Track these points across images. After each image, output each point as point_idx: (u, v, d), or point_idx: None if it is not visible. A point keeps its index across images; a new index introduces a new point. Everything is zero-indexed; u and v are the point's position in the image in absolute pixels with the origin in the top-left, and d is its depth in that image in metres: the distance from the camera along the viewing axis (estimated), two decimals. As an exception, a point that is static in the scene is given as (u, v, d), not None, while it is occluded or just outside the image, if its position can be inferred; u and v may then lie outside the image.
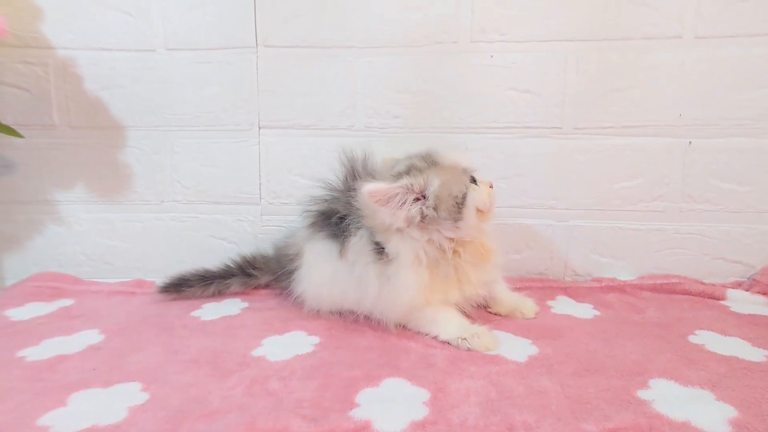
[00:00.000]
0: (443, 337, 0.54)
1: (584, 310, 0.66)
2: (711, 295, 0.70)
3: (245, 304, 0.69)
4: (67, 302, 0.70)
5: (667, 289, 0.72)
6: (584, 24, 0.74)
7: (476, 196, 0.56)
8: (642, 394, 0.42)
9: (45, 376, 0.47)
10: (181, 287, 0.70)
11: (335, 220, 0.59)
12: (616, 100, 0.75)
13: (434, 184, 0.55)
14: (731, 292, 0.69)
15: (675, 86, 0.73)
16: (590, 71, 0.75)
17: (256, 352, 0.52)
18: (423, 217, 0.54)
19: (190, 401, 0.41)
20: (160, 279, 0.78)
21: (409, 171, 0.57)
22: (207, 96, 0.80)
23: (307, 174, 0.80)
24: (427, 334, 0.56)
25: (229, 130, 0.81)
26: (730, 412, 0.39)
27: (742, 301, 0.67)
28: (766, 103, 0.72)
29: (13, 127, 0.74)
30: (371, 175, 0.61)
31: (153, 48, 0.79)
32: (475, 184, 0.58)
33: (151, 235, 0.83)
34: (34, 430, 0.37)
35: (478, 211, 0.56)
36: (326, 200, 0.64)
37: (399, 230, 0.54)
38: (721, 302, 0.68)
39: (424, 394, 0.42)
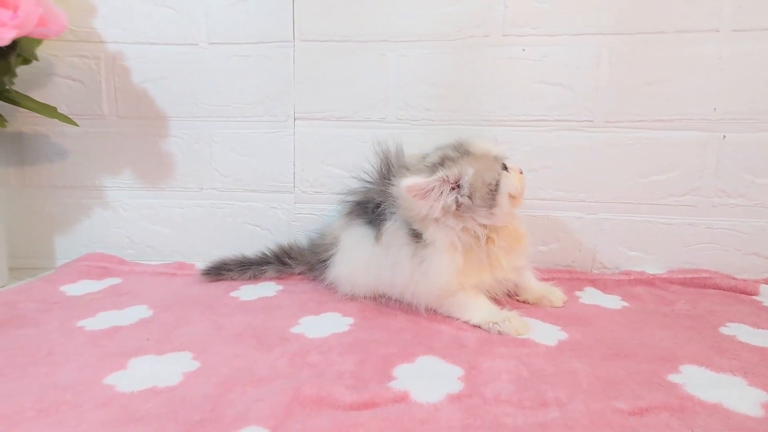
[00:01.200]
0: (475, 321, 0.56)
1: (612, 301, 0.66)
2: (743, 290, 0.69)
3: (280, 287, 0.72)
4: (114, 281, 0.75)
5: (697, 283, 0.72)
6: (617, 17, 0.74)
7: (509, 183, 0.58)
8: (673, 377, 0.43)
9: (104, 343, 0.50)
10: (221, 271, 0.74)
11: (371, 207, 0.62)
12: (648, 93, 0.75)
13: (468, 173, 0.56)
14: (765, 288, 0.69)
15: (710, 80, 0.73)
16: (623, 64, 0.75)
17: (295, 330, 0.55)
18: (458, 205, 0.55)
19: (238, 370, 0.45)
20: (200, 262, 0.83)
21: (443, 162, 0.58)
22: (245, 88, 0.83)
23: (340, 164, 0.83)
24: (458, 319, 0.57)
25: (265, 121, 0.84)
26: (762, 396, 0.39)
27: (775, 297, 0.67)
28: (805, 97, 0.71)
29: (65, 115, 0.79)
30: (405, 167, 0.63)
31: (195, 42, 0.83)
32: (506, 170, 0.59)
33: (190, 221, 0.87)
34: (101, 387, 0.41)
35: (511, 196, 0.58)
36: (362, 191, 0.66)
37: (435, 220, 0.56)
38: (754, 297, 0.68)
39: (458, 371, 0.44)
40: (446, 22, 0.78)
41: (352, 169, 0.82)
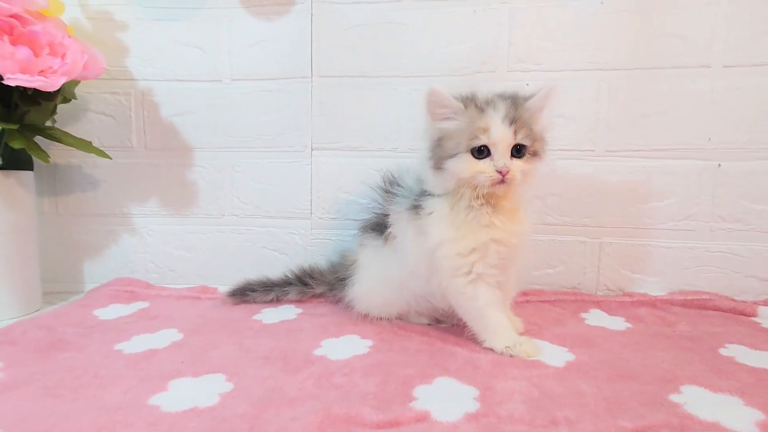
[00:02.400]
0: (489, 345, 0.59)
1: (617, 323, 0.70)
2: (742, 312, 0.72)
3: (300, 310, 0.76)
4: (143, 305, 0.79)
5: (697, 304, 0.75)
6: (616, 54, 0.79)
7: None
8: (674, 397, 0.46)
9: (143, 366, 0.54)
10: (245, 292, 0.78)
11: (381, 221, 0.67)
12: (646, 124, 0.79)
13: None
14: (763, 309, 0.72)
15: (704, 112, 0.77)
16: (622, 98, 0.79)
17: (317, 352, 0.59)
18: None
19: (270, 391, 0.48)
20: (221, 285, 0.88)
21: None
22: (265, 121, 0.89)
23: (355, 192, 0.88)
24: (471, 329, 0.60)
25: (284, 151, 0.89)
26: (758, 416, 0.43)
27: (773, 318, 0.70)
28: (795, 128, 0.75)
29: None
30: (401, 185, 0.67)
31: (220, 78, 0.89)
32: None
33: (212, 246, 0.92)
34: (147, 408, 0.44)
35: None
36: (374, 213, 0.71)
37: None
38: (753, 319, 0.71)
39: (473, 392, 0.48)
40: (454, 58, 0.83)
41: (366, 196, 0.87)
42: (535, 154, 0.58)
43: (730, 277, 0.79)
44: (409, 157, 0.85)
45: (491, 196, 0.58)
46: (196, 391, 0.48)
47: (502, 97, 0.58)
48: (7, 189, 0.74)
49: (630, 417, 0.42)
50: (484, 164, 0.56)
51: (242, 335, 0.65)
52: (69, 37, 0.68)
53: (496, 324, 0.59)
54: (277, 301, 0.79)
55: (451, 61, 0.83)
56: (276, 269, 0.86)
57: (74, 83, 0.78)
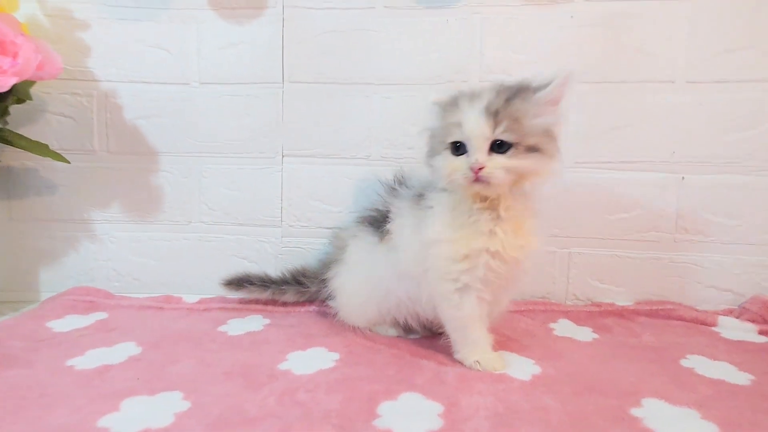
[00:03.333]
0: (460, 356, 0.58)
1: (584, 334, 0.70)
2: (703, 322, 0.74)
3: (267, 321, 0.74)
4: (101, 315, 0.75)
5: (662, 314, 0.77)
6: (584, 67, 0.80)
7: None
8: (635, 411, 0.47)
9: (95, 383, 0.52)
10: (243, 283, 0.77)
11: (380, 217, 0.66)
12: (614, 137, 0.81)
13: None
14: (722, 319, 0.74)
15: (668, 126, 0.79)
16: (590, 111, 0.81)
17: (282, 366, 0.57)
18: None
19: (229, 409, 0.46)
20: (187, 294, 0.85)
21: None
22: (235, 126, 0.86)
23: (327, 200, 0.86)
24: (446, 335, 0.60)
25: (254, 157, 0.87)
26: (713, 428, 0.43)
27: (732, 328, 0.72)
28: (753, 143, 0.78)
29: (56, 151, 0.80)
30: (407, 185, 0.67)
31: (187, 81, 0.86)
32: None
33: (177, 253, 0.89)
34: (95, 430, 0.42)
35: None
36: (374, 209, 0.70)
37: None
38: (713, 328, 0.73)
39: (438, 408, 0.47)
40: (428, 68, 0.83)
41: (338, 204, 0.86)
42: (533, 149, 0.52)
43: (692, 287, 0.81)
44: (381, 165, 0.84)
45: (492, 199, 0.54)
46: (149, 411, 0.46)
47: (494, 86, 0.54)
48: (-46, 193, 0.70)
49: (593, 431, 0.42)
50: (460, 161, 0.52)
51: (204, 348, 0.62)
52: (22, 35, 0.65)
53: (475, 338, 0.57)
54: (273, 299, 0.79)
55: (424, 70, 0.83)
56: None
57: (29, 83, 0.74)
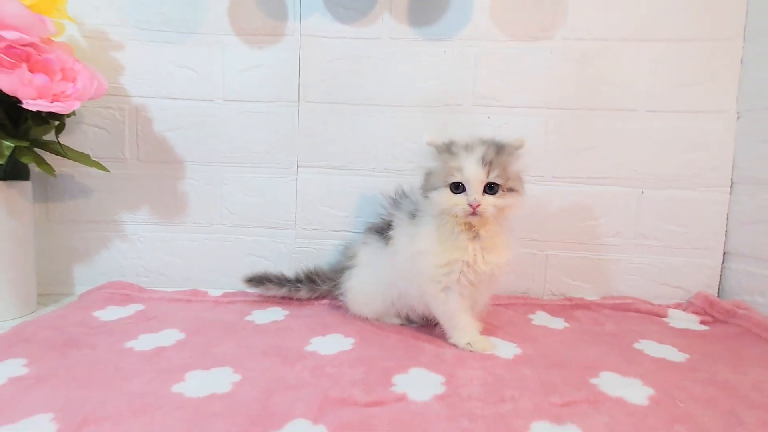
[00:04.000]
0: (454, 340, 0.70)
1: (557, 323, 0.83)
2: (656, 313, 0.88)
3: (287, 312, 0.85)
4: (139, 306, 0.85)
5: (623, 307, 0.91)
6: (561, 95, 0.93)
7: None
8: (593, 380, 0.59)
9: (156, 361, 0.62)
10: (263, 281, 0.87)
11: (385, 226, 0.78)
12: (585, 156, 0.94)
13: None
14: (672, 312, 0.88)
15: (631, 148, 0.93)
16: (565, 133, 0.94)
17: (308, 348, 0.68)
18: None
19: (274, 380, 0.58)
20: (211, 288, 0.96)
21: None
22: (255, 139, 0.97)
23: (336, 206, 0.98)
24: (441, 326, 0.72)
25: (271, 167, 0.98)
26: (650, 392, 0.56)
27: (679, 319, 0.86)
28: (700, 164, 0.92)
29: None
30: (409, 198, 0.78)
31: (212, 99, 0.96)
32: None
33: (200, 252, 0.99)
34: (172, 395, 0.53)
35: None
36: (379, 220, 0.82)
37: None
38: (663, 319, 0.87)
39: (440, 378, 0.59)
40: (427, 92, 0.95)
41: (346, 210, 0.98)
42: (511, 190, 0.67)
43: (648, 285, 0.95)
44: (385, 176, 0.96)
45: (470, 224, 0.68)
46: (210, 381, 0.57)
47: (482, 141, 0.68)
48: (9, 198, 0.79)
49: (559, 395, 0.55)
50: (459, 198, 0.66)
51: (239, 334, 0.73)
52: (78, 62, 0.74)
53: (463, 324, 0.70)
54: (288, 296, 0.89)
55: (424, 94, 0.95)
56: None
57: (77, 101, 0.83)
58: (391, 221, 0.77)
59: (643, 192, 0.94)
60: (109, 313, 0.81)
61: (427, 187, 0.70)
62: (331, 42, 0.95)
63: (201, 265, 0.99)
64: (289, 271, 0.95)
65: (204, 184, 0.98)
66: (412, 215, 0.74)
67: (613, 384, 0.59)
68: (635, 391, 0.57)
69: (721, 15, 0.90)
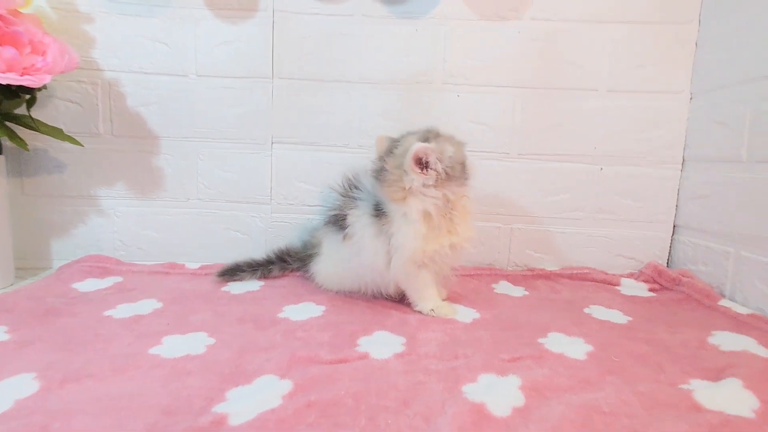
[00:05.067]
0: (419, 308, 0.75)
1: (518, 291, 0.89)
2: (610, 282, 0.95)
3: (262, 283, 0.89)
4: (117, 279, 0.88)
5: (579, 277, 0.97)
6: (528, 75, 0.97)
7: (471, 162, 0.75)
8: (541, 340, 0.65)
9: (134, 327, 0.66)
10: (235, 273, 0.89)
11: (341, 217, 0.79)
12: (549, 134, 0.98)
13: (449, 150, 0.71)
14: (624, 280, 0.95)
15: (591, 126, 0.98)
16: (531, 111, 0.98)
17: (281, 315, 0.73)
18: (440, 177, 0.70)
19: (247, 342, 0.62)
20: (188, 261, 0.98)
21: (426, 139, 0.71)
22: (229, 115, 0.98)
23: (310, 181, 1.00)
24: (408, 298, 0.77)
25: (246, 143, 0.99)
26: (589, 348, 0.63)
27: (630, 287, 0.93)
28: (654, 142, 0.97)
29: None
30: (359, 188, 0.80)
31: (186, 74, 0.97)
32: None
33: (177, 226, 1.01)
34: (150, 356, 0.57)
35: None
36: (336, 206, 0.83)
37: (412, 192, 0.70)
38: (616, 287, 0.93)
39: (402, 340, 0.64)
40: (399, 70, 0.97)
41: (320, 185, 1.01)
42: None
43: (605, 256, 1.01)
44: (358, 153, 0.99)
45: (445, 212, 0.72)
46: (186, 344, 0.60)
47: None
48: (-18, 172, 0.80)
49: (509, 352, 0.61)
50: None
51: (215, 303, 0.77)
52: (47, 35, 0.74)
53: (428, 294, 0.75)
54: (263, 278, 0.91)
55: (396, 72, 0.97)
56: (238, 248, 0.99)
57: (47, 75, 0.83)
58: (345, 216, 0.77)
59: (602, 168, 0.99)
60: (88, 285, 0.84)
61: (464, 176, 0.73)
62: (305, 18, 0.96)
63: (178, 238, 1.01)
64: (265, 245, 0.99)
65: (179, 159, 0.99)
66: (375, 211, 0.74)
67: (557, 342, 0.64)
68: (576, 348, 0.63)
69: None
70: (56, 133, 0.85)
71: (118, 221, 1.00)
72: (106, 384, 0.50)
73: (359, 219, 0.76)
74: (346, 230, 0.77)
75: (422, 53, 0.97)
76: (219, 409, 0.45)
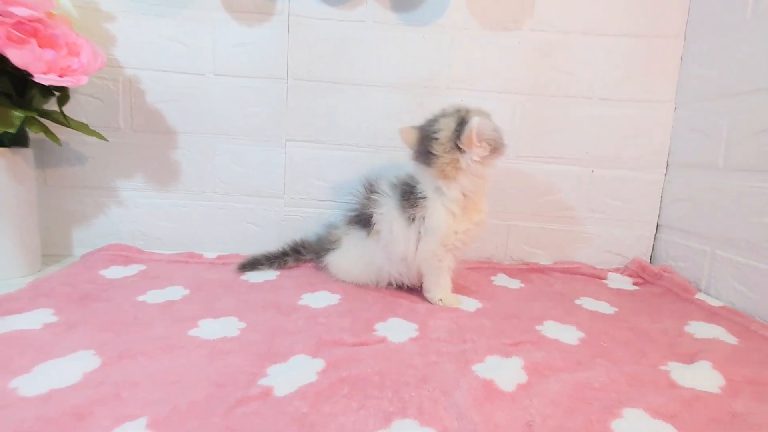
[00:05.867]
0: (431, 295, 0.82)
1: (514, 283, 0.97)
2: (598, 276, 1.03)
3: (278, 273, 0.95)
4: (141, 267, 0.93)
5: (570, 271, 1.05)
6: (526, 83, 1.04)
7: None
8: (537, 327, 0.73)
9: (169, 312, 0.71)
10: (254, 265, 0.95)
11: (364, 218, 0.85)
12: (545, 138, 1.06)
13: (493, 124, 0.76)
14: (611, 275, 1.03)
15: (585, 132, 1.05)
16: (529, 116, 1.05)
17: (300, 303, 0.79)
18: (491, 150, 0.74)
19: (274, 327, 0.68)
20: (205, 251, 1.04)
21: (467, 116, 0.75)
22: (245, 113, 1.03)
23: (322, 177, 1.06)
24: (420, 285, 0.83)
25: (261, 140, 1.05)
26: (581, 335, 0.70)
27: (616, 281, 1.01)
28: (641, 148, 1.05)
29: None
30: (378, 190, 0.84)
31: (203, 73, 1.01)
32: None
33: (193, 218, 1.06)
34: (189, 337, 0.62)
35: None
36: (357, 209, 0.88)
37: (463, 169, 0.75)
38: (603, 281, 1.02)
39: (414, 326, 0.71)
40: (407, 75, 1.03)
41: (331, 181, 1.07)
42: None
43: (594, 252, 1.10)
44: (367, 152, 1.05)
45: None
46: (220, 327, 0.66)
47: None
48: (14, 165, 0.84)
49: (509, 338, 0.68)
50: None
51: (237, 291, 0.83)
52: (79, 36, 0.78)
53: (444, 283, 0.82)
54: (279, 268, 0.97)
55: (404, 76, 1.03)
56: (252, 239, 1.05)
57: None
58: (370, 215, 0.83)
59: (593, 171, 1.07)
60: (114, 272, 0.89)
61: (500, 152, 0.77)
62: (319, 23, 1.01)
63: (194, 229, 1.07)
64: (278, 237, 1.05)
65: (196, 154, 1.04)
66: (403, 202, 0.78)
67: (553, 329, 0.72)
68: (569, 335, 0.70)
69: (666, 15, 1.01)
70: (83, 128, 0.89)
71: (137, 212, 1.05)
72: (157, 361, 0.56)
73: (386, 214, 0.81)
74: (372, 227, 0.83)
75: (429, 59, 1.03)
76: (263, 382, 0.52)
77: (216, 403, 0.47)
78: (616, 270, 1.07)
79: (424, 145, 0.78)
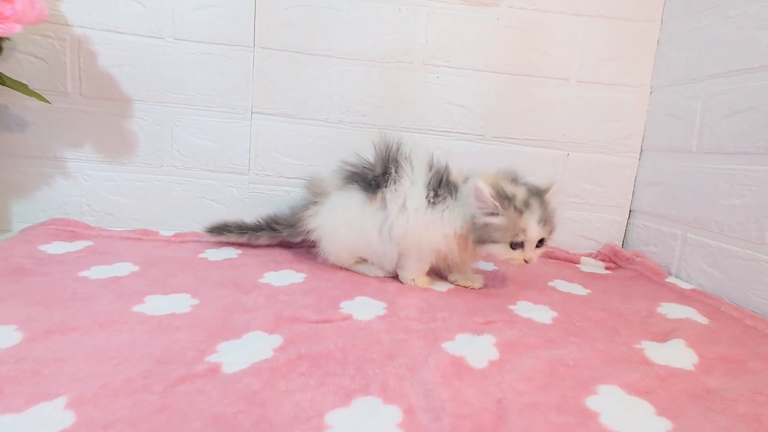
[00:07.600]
0: (403, 274, 0.78)
1: (488, 266, 0.94)
2: (571, 260, 1.02)
3: (240, 251, 0.89)
4: (88, 243, 0.85)
5: (547, 255, 1.03)
6: (504, 61, 1.01)
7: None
8: (511, 307, 0.70)
9: (113, 287, 0.65)
10: (222, 231, 0.89)
11: (370, 177, 0.77)
12: (521, 119, 1.03)
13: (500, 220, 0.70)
14: (584, 259, 1.02)
15: (561, 113, 1.03)
16: (506, 96, 1.02)
17: (262, 281, 0.74)
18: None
19: (231, 304, 0.63)
20: (161, 229, 0.97)
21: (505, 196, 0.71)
22: (207, 82, 0.96)
23: (289, 153, 1.01)
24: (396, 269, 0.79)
25: (225, 112, 0.98)
26: (554, 315, 0.68)
27: (588, 265, 1.00)
28: (616, 132, 1.04)
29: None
30: (398, 160, 0.77)
31: (162, 36, 0.94)
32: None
33: (150, 193, 0.99)
34: (134, 313, 0.56)
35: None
36: (360, 165, 0.79)
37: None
38: (577, 265, 1.00)
39: (383, 304, 0.67)
40: (381, 48, 0.99)
41: (299, 158, 1.01)
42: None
43: (568, 236, 1.08)
44: (338, 127, 1.00)
45: None
46: (169, 304, 0.61)
47: (533, 194, 0.72)
48: (-61, 125, 0.75)
49: (482, 316, 0.65)
50: (517, 253, 0.71)
51: (194, 268, 0.77)
52: (16, -19, 0.70)
53: (422, 266, 0.77)
54: (249, 244, 0.91)
55: (378, 50, 0.99)
56: (213, 217, 0.98)
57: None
58: (378, 179, 0.76)
59: (568, 154, 1.05)
60: (56, 248, 0.81)
61: (484, 238, 0.71)
62: (289, -13, 0.95)
63: (151, 205, 0.99)
64: (241, 215, 0.98)
65: (153, 124, 0.97)
66: (434, 195, 0.75)
67: (526, 309, 0.70)
68: (543, 314, 0.68)
69: (646, -3, 1.00)
70: (21, 87, 0.81)
71: (86, 185, 0.96)
72: (93, 336, 0.50)
73: (411, 191, 0.75)
74: (375, 193, 0.76)
75: (404, 33, 0.99)
76: (212, 359, 0.47)
77: (154, 379, 0.42)
78: (589, 254, 1.06)
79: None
